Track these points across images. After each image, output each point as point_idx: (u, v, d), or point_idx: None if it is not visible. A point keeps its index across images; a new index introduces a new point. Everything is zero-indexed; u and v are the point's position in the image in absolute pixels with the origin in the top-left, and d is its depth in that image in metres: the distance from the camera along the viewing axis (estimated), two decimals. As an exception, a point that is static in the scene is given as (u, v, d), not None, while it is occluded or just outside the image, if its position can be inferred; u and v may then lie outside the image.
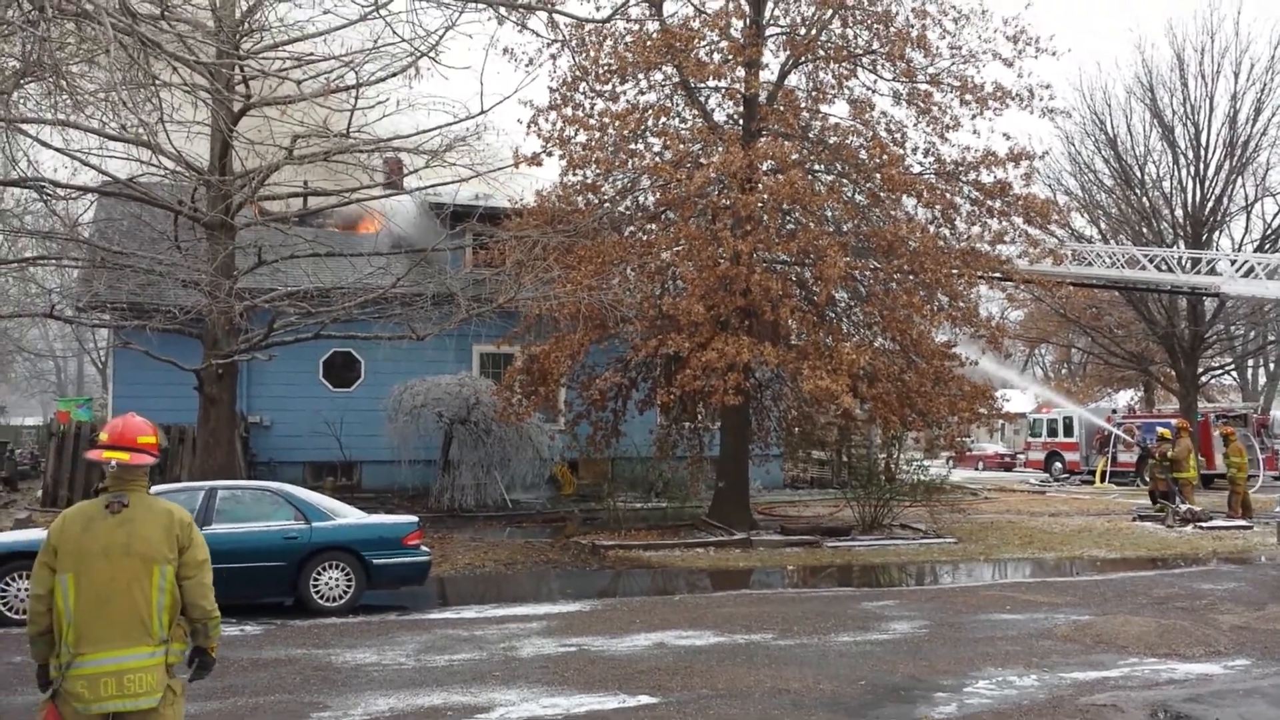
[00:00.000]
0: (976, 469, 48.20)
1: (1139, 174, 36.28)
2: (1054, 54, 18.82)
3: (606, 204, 19.77)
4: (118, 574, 4.60)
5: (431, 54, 13.86)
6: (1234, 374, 50.54)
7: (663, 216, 19.94)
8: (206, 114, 16.14)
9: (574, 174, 19.29)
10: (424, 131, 15.56)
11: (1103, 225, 37.25)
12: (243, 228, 16.30)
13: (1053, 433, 41.24)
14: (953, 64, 18.60)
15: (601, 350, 20.15)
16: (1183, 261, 28.21)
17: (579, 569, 15.97)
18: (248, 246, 16.29)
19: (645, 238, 18.82)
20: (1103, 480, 35.78)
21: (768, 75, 19.65)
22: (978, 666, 9.40)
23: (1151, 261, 27.42)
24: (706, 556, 16.95)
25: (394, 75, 14.77)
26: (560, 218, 18.73)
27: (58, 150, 15.74)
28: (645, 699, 8.23)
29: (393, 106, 14.79)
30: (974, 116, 18.50)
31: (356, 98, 12.99)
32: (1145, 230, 35.50)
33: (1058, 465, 40.45)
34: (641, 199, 20.60)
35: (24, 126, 14.89)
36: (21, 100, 16.98)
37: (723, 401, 16.64)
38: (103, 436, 4.83)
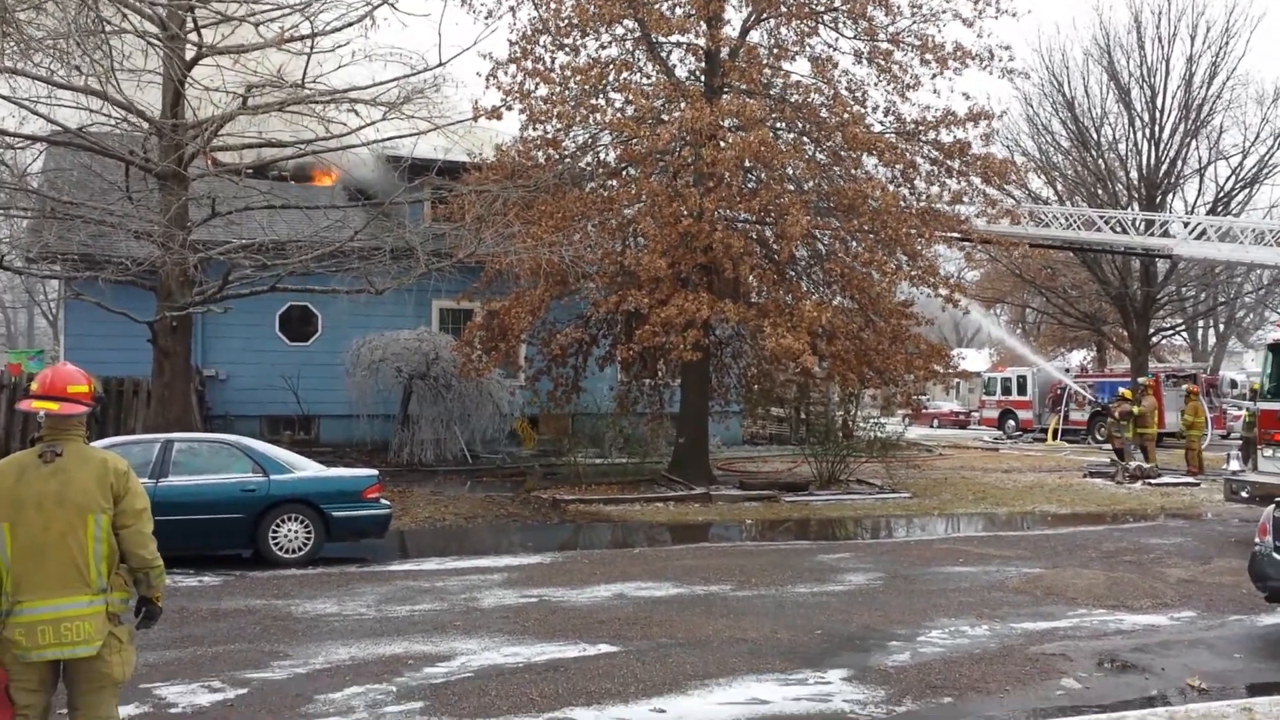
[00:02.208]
0: (931, 426, 48.78)
1: (1095, 136, 36.58)
2: (1014, 15, 18.91)
3: (567, 159, 19.63)
4: (51, 523, 4.59)
5: (390, 2, 13.74)
6: (1184, 335, 51.39)
7: (624, 173, 19.85)
8: (158, 62, 15.87)
9: (534, 128, 19.09)
10: (382, 83, 15.36)
11: (1059, 186, 37.54)
12: (196, 179, 16.03)
13: (1006, 391, 41.89)
14: (914, 23, 18.63)
15: (562, 306, 20.13)
16: (1137, 223, 28.54)
17: (540, 523, 16.04)
18: (201, 198, 16.01)
19: (606, 194, 18.72)
20: (1055, 438, 36.43)
21: (730, 31, 19.53)
22: (931, 617, 9.58)
23: (1107, 223, 27.74)
24: (666, 511, 17.09)
25: (350, 25, 14.61)
26: (520, 172, 18.60)
27: (4, 98, 15.40)
28: (605, 647, 8.32)
29: (349, 57, 14.60)
30: (934, 76, 18.59)
31: (313, 47, 12.77)
32: (1101, 192, 35.85)
33: (1011, 423, 41.12)
34: (602, 155, 20.48)
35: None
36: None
37: (682, 358, 16.71)
38: (34, 386, 4.79)
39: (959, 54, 18.17)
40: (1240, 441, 22.39)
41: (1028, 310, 55.42)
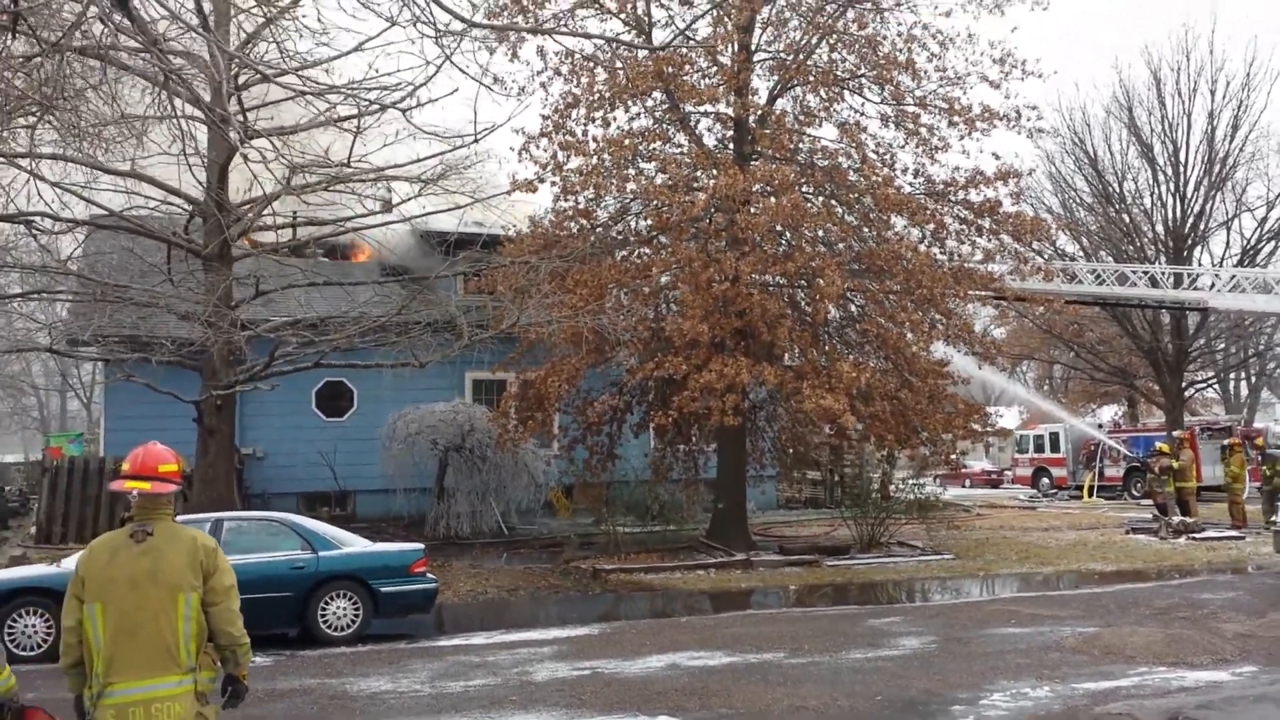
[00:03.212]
0: (964, 486, 48.34)
1: (1119, 190, 36.67)
2: (1040, 76, 19.13)
3: (599, 229, 19.88)
4: (144, 603, 4.63)
5: (427, 85, 14.04)
6: (1216, 387, 50.96)
7: (655, 240, 20.04)
8: (198, 145, 16.26)
9: (566, 199, 19.39)
10: (420, 159, 15.64)
11: (1084, 242, 37.60)
12: (239, 259, 16.31)
13: (1039, 449, 41.53)
14: (940, 86, 18.84)
15: (597, 374, 20.23)
16: (1166, 277, 28.53)
17: (581, 594, 15.98)
18: (244, 277, 16.30)
19: (639, 261, 18.92)
20: (1090, 495, 36.04)
21: (756, 99, 19.85)
22: (990, 680, 9.47)
23: (1143, 278, 27.75)
24: (708, 578, 16.98)
25: (393, 106, 14.88)
26: (554, 243, 18.83)
27: (52, 184, 15.79)
28: (665, 719, 8.26)
29: (390, 137, 14.90)
30: (961, 138, 18.77)
31: (359, 128, 13.05)
32: (1128, 247, 35.85)
33: (1045, 481, 40.70)
34: (633, 223, 20.73)
35: (19, 161, 15.01)
36: (11, 135, 17.10)
37: (721, 422, 16.73)
38: (125, 466, 4.88)
39: (986, 115, 18.37)
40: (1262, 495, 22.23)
41: (1055, 366, 55.21)
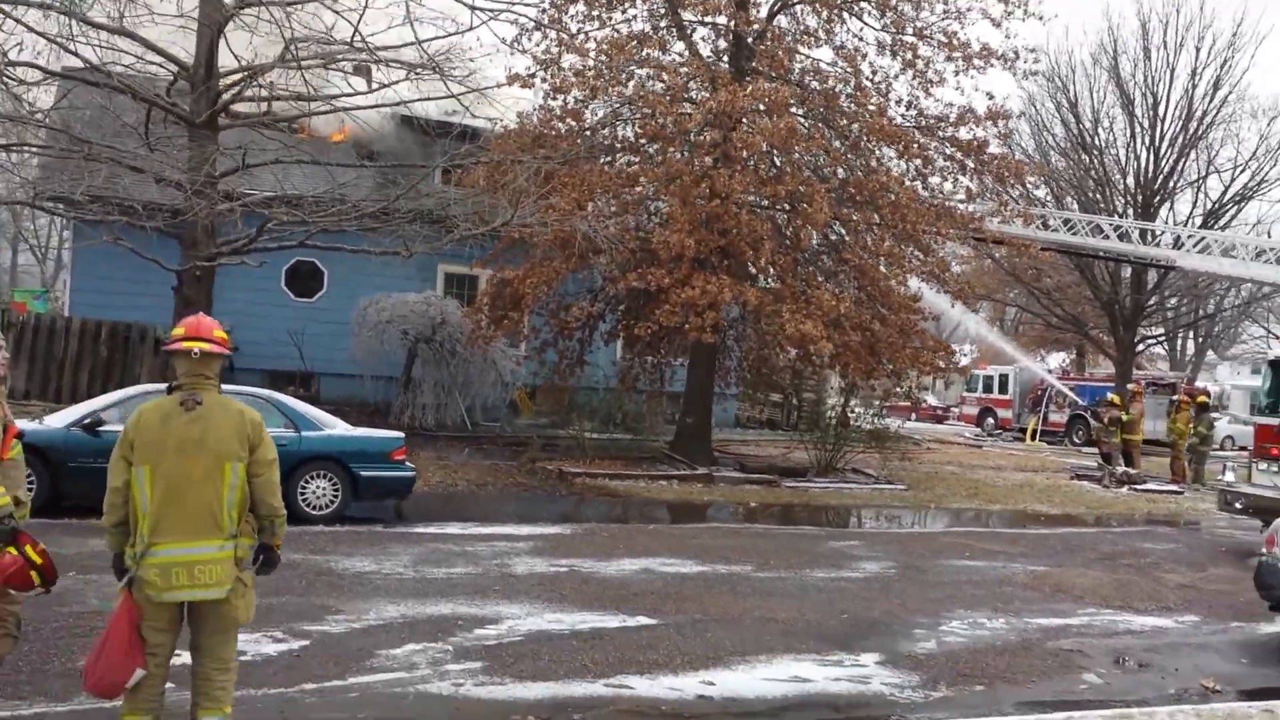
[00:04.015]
0: (909, 419, 49.28)
1: (1096, 139, 36.96)
2: (1040, 18, 19.16)
3: (586, 131, 19.72)
4: (191, 469, 4.79)
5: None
6: (1164, 344, 52.15)
7: (642, 149, 19.93)
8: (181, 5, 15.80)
9: (555, 98, 19.17)
10: (411, 43, 15.29)
11: (1052, 188, 37.96)
12: (224, 128, 16.01)
13: (988, 389, 42.43)
14: (942, 20, 18.78)
15: (573, 279, 20.25)
16: (1133, 232, 29.00)
17: (548, 494, 16.30)
18: (230, 148, 16.03)
19: (629, 169, 18.85)
20: (1033, 438, 37.01)
21: (757, 14, 19.64)
22: (948, 608, 9.93)
23: (1115, 231, 28.20)
24: (671, 489, 17.37)
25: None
26: (542, 141, 18.67)
27: (32, 30, 15.29)
28: (644, 619, 8.61)
29: (394, 19, 14.64)
30: (958, 73, 18.78)
31: (366, 5, 12.76)
32: (1098, 196, 36.29)
33: (990, 421, 41.70)
34: (619, 130, 20.57)
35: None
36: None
37: (699, 338, 16.94)
38: (178, 331, 5.00)
39: (984, 53, 18.36)
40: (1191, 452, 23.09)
41: (1009, 309, 56.05)
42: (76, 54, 15.27)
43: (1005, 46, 19.09)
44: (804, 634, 8.54)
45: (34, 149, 16.17)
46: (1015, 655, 8.43)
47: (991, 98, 18.87)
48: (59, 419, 11.76)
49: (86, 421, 11.41)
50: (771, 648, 8.05)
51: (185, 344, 4.93)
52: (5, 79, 15.32)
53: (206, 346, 4.95)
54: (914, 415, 51.00)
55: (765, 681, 7.28)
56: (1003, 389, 41.47)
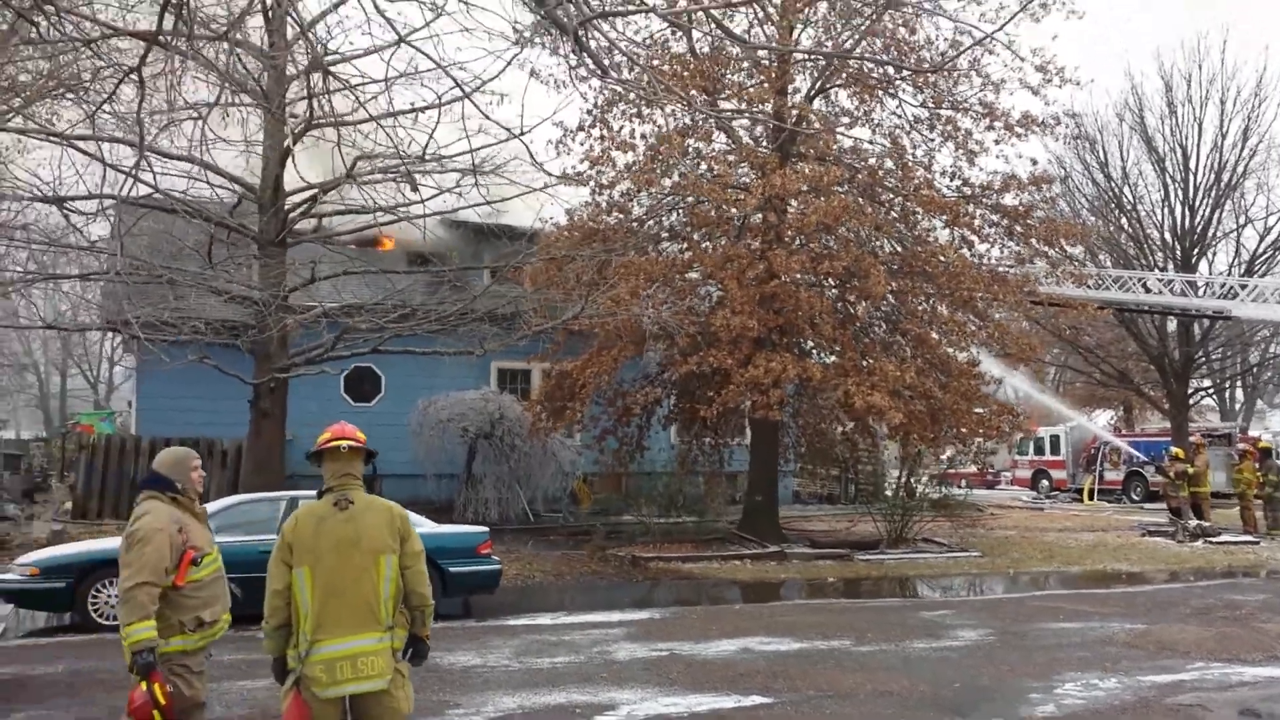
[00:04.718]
0: (960, 486, 48.78)
1: (1131, 196, 37.11)
2: (1078, 83, 19.55)
3: (634, 223, 20.15)
4: (348, 566, 4.96)
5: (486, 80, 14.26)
6: (1213, 395, 51.60)
7: (690, 237, 20.30)
8: (251, 131, 16.43)
9: (601, 194, 19.65)
10: (474, 150, 15.80)
11: (1089, 247, 38.02)
12: (293, 245, 16.51)
13: (1039, 450, 41.99)
14: (979, 91, 19.17)
15: (627, 367, 20.50)
16: (1173, 284, 29.04)
17: (624, 580, 16.30)
18: (295, 264, 16.53)
19: (684, 256, 19.22)
20: (1090, 498, 36.52)
21: (796, 99, 20.12)
22: (1057, 671, 9.82)
23: (1166, 285, 28.24)
24: (745, 568, 17.34)
25: (455, 101, 15.03)
26: (594, 236, 19.09)
27: (102, 162, 15.91)
28: (758, 699, 8.59)
29: (444, 129, 15.14)
30: (998, 142, 19.10)
31: (439, 121, 13.24)
32: (1135, 252, 36.32)
33: (1045, 483, 41.17)
34: (665, 219, 20.98)
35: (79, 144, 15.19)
36: (55, 116, 17.31)
37: (766, 416, 17.09)
38: (324, 436, 5.25)
39: (1025, 121, 18.69)
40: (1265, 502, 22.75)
41: (1050, 369, 55.72)
42: (143, 181, 15.87)
43: (1045, 113, 19.45)
44: (922, 705, 8.49)
45: (109, 277, 16.67)
46: (1137, 714, 8.33)
47: (1035, 164, 19.18)
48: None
49: (182, 535, 11.60)
50: None
51: (335, 441, 5.15)
52: (66, 210, 15.98)
53: (351, 441, 5.18)
54: (964, 482, 50.61)
55: (895, 753, 7.24)
56: (1055, 449, 41.05)
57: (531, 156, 8.04)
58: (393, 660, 5.02)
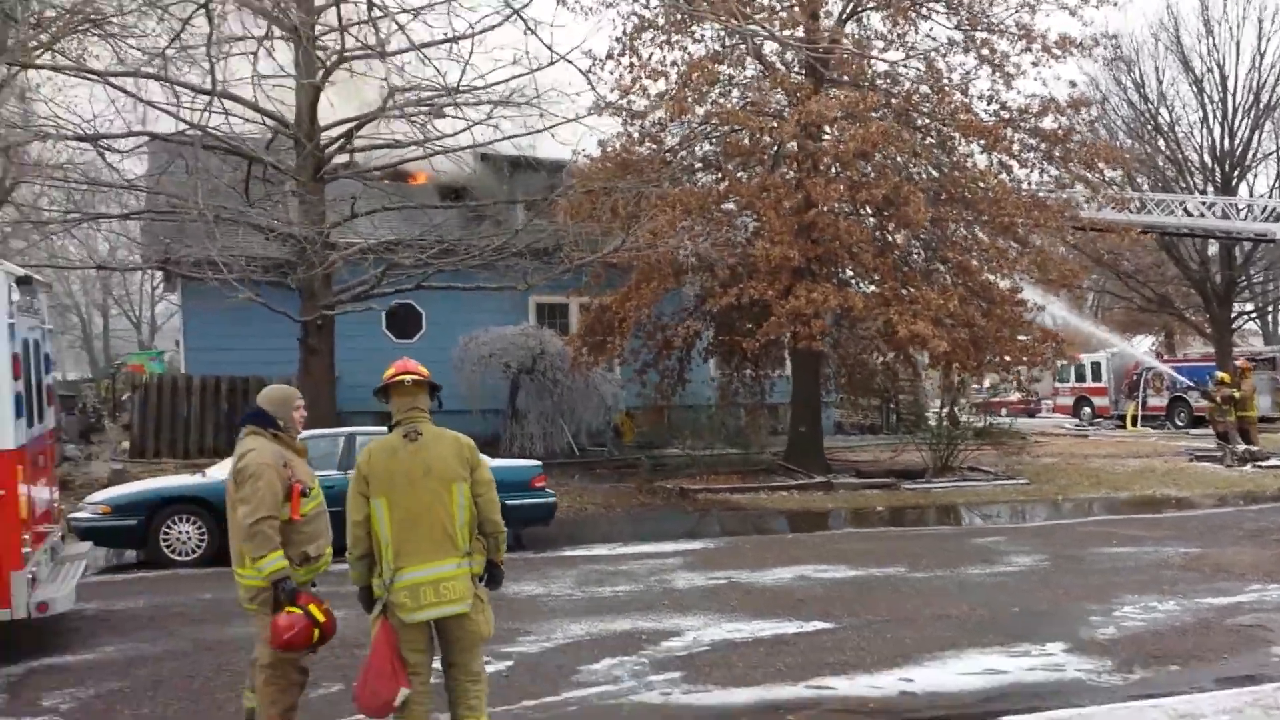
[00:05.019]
0: (1000, 414, 48.63)
1: (1169, 118, 36.35)
2: (1115, 4, 19.05)
3: (667, 153, 19.96)
4: (422, 494, 5.07)
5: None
6: (1255, 319, 50.91)
7: (725, 166, 20.08)
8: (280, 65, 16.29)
9: (632, 124, 19.46)
10: (509, 79, 15.62)
11: (1126, 169, 37.32)
12: (329, 180, 16.50)
13: (1080, 378, 41.62)
14: (1015, 12, 18.74)
15: (666, 299, 20.47)
16: (1214, 208, 28.50)
17: (673, 511, 16.51)
18: (335, 199, 16.55)
19: (719, 186, 19.06)
20: (1133, 424, 36.28)
21: (828, 23, 19.76)
22: (1115, 594, 9.86)
23: (1209, 208, 27.75)
24: (793, 498, 17.47)
25: (490, 29, 14.91)
26: (627, 167, 18.94)
27: (136, 98, 15.87)
28: (820, 624, 8.70)
29: (477, 59, 14.97)
30: (1035, 65, 18.72)
31: (472, 51, 13.15)
32: (1176, 175, 35.68)
33: (1086, 410, 40.90)
34: (699, 149, 20.75)
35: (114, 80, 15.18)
36: (85, 51, 17.27)
37: (809, 346, 17.06)
38: (389, 371, 5.34)
39: (1063, 43, 18.27)
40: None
41: (1089, 294, 55.06)
42: (180, 119, 15.84)
43: (1083, 34, 19.00)
44: (982, 628, 8.57)
45: (154, 214, 16.78)
46: (1198, 635, 8.37)
47: (1074, 85, 18.82)
48: (222, 471, 12.16)
49: (248, 472, 11.81)
50: (955, 643, 8.09)
51: (400, 376, 5.25)
52: (100, 148, 16.02)
53: (419, 375, 5.29)
54: (1004, 410, 50.38)
55: (962, 676, 7.32)
56: (1096, 376, 40.70)
57: (585, 76, 7.84)
58: (472, 585, 5.14)
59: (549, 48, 14.67)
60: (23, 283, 8.16)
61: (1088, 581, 10.47)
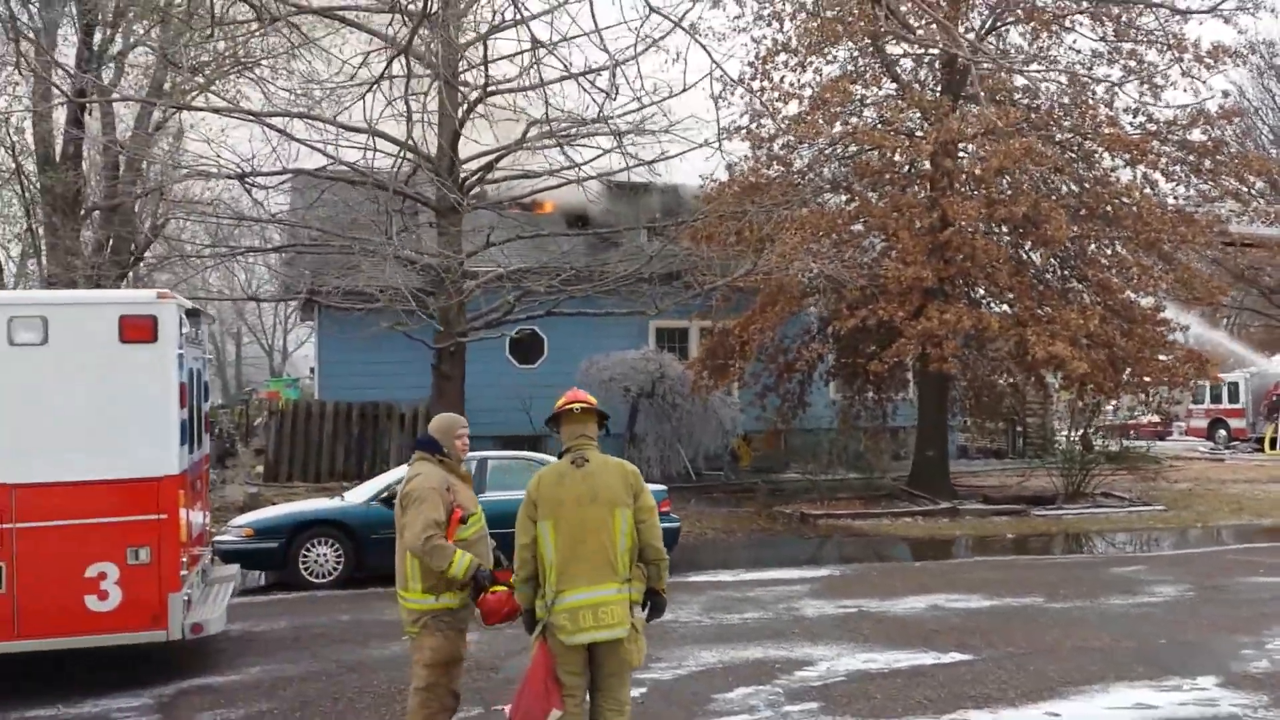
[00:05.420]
0: (1129, 437, 46.95)
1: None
2: (1272, 11, 18.39)
3: (795, 175, 19.92)
4: (588, 519, 5.19)
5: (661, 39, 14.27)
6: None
7: (853, 187, 19.94)
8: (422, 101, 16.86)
9: (762, 147, 19.49)
10: (637, 109, 15.83)
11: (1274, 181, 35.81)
12: (469, 211, 16.95)
13: (1216, 399, 39.93)
14: (1165, 22, 18.19)
15: (789, 322, 20.39)
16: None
17: (795, 536, 16.40)
18: (471, 230, 17.03)
19: (848, 208, 18.96)
20: (1272, 447, 34.61)
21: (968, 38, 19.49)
22: (1266, 626, 9.47)
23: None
24: (917, 525, 17.16)
25: (631, 59, 15.05)
26: (756, 190, 18.95)
27: (294, 139, 16.61)
28: (957, 655, 8.54)
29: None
30: (1185, 74, 18.10)
31: (614, 87, 13.37)
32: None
33: (1222, 433, 39.20)
34: (826, 170, 20.65)
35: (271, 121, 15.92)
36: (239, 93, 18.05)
37: (940, 369, 16.81)
38: (561, 401, 5.50)
39: (1215, 52, 17.67)
40: None
41: (1221, 313, 52.81)
42: (327, 154, 16.52)
43: (1238, 42, 18.40)
44: (1128, 661, 8.31)
45: (300, 248, 17.50)
46: (1358, 671, 7.98)
47: (1226, 96, 18.12)
48: (359, 495, 12.62)
49: (385, 495, 12.14)
50: (1101, 676, 7.86)
51: (571, 404, 5.42)
52: (246, 184, 16.78)
53: (588, 404, 5.45)
54: (1133, 433, 48.62)
55: (1110, 711, 7.13)
56: (1233, 398, 38.98)
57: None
58: (629, 612, 5.22)
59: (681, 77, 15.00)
60: (191, 315, 8.60)
61: (1236, 613, 10.08)
